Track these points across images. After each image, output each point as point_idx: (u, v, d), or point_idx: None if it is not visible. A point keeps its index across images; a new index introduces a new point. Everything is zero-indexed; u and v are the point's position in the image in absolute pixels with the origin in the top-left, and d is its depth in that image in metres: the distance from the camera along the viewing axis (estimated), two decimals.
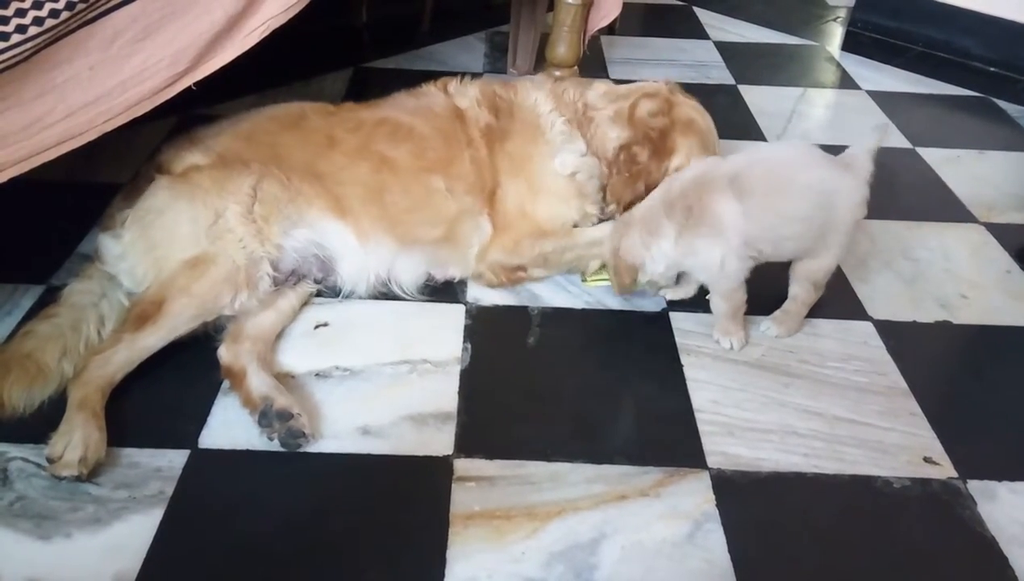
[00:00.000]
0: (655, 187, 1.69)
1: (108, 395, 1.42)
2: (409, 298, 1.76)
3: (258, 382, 1.47)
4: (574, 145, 1.83)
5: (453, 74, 1.93)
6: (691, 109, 1.85)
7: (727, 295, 1.62)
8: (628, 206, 1.74)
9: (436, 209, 1.74)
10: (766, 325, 1.70)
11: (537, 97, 1.87)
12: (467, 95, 1.86)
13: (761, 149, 1.70)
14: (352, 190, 1.69)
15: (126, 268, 1.56)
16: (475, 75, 1.93)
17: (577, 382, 1.59)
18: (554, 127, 1.83)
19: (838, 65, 3.17)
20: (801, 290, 1.66)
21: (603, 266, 1.78)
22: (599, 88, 1.92)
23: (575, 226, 1.82)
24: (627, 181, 1.77)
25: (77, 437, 1.31)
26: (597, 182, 1.86)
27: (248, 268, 1.55)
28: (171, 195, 1.57)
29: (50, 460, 1.30)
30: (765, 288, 1.65)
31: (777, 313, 1.70)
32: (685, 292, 1.74)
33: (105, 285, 1.58)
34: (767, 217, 1.55)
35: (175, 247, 1.53)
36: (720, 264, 1.56)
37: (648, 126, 1.79)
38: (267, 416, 1.40)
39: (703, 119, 1.85)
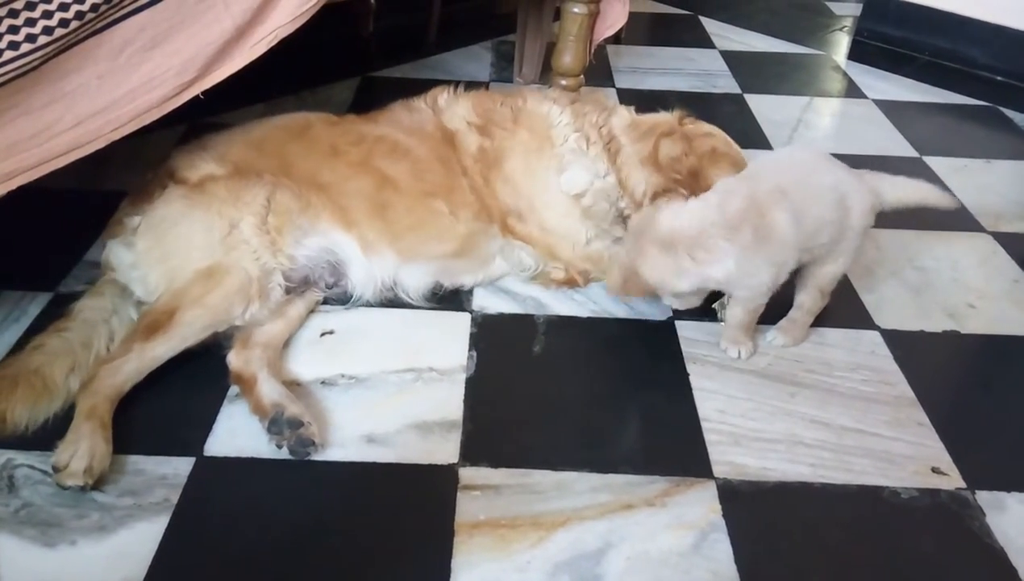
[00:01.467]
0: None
1: (116, 405, 1.42)
2: (415, 304, 1.76)
3: (268, 389, 1.47)
4: (590, 164, 1.82)
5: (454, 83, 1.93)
6: (707, 137, 1.84)
7: (753, 308, 1.61)
8: None
9: (442, 229, 1.75)
10: (772, 335, 1.70)
11: (551, 109, 1.86)
12: (457, 113, 1.84)
13: (777, 156, 1.70)
14: (356, 202, 1.70)
15: (138, 276, 1.56)
16: (468, 84, 1.92)
17: (583, 391, 1.58)
18: (566, 141, 1.82)
19: (844, 74, 3.17)
20: (808, 298, 1.66)
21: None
22: (622, 117, 1.89)
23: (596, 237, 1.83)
24: None
25: (83, 447, 1.31)
26: (606, 206, 1.84)
27: (261, 279, 1.55)
28: (187, 205, 1.57)
29: (56, 469, 1.30)
30: (781, 302, 1.64)
31: (783, 322, 1.69)
32: (692, 303, 1.69)
33: (116, 301, 1.57)
34: (808, 225, 1.54)
35: (190, 257, 1.53)
36: (774, 278, 1.54)
37: (676, 172, 1.79)
38: (277, 424, 1.40)
39: (721, 142, 1.85)
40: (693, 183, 1.76)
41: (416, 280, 1.76)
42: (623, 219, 1.85)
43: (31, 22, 1.21)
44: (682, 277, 1.53)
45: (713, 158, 1.80)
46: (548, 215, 1.80)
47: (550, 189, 1.80)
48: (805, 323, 1.69)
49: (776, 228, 1.50)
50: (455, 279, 1.81)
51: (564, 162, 1.81)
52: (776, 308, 1.69)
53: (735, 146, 1.87)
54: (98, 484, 1.31)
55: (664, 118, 1.90)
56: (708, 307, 1.75)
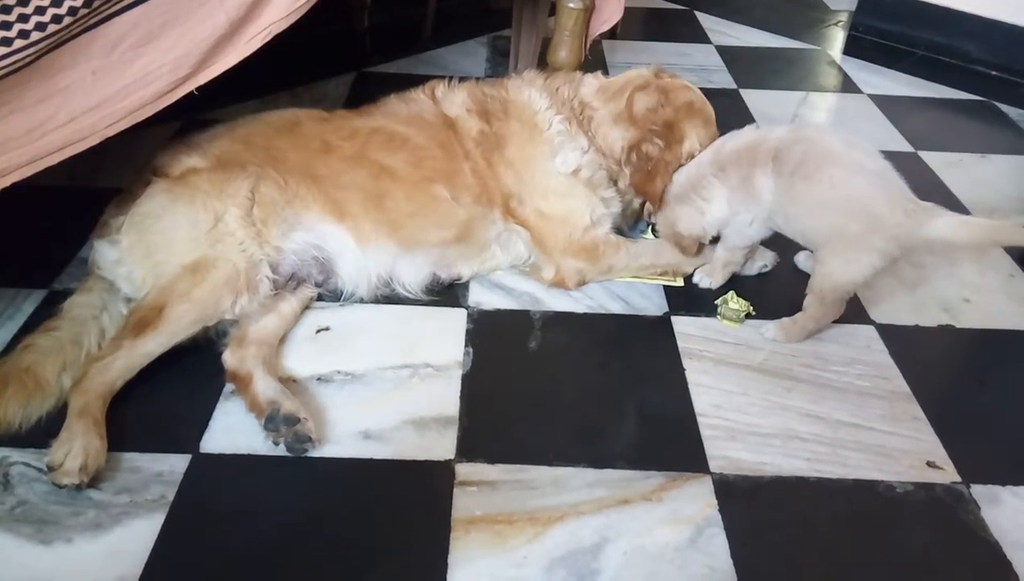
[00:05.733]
0: (676, 171, 1.78)
1: (109, 402, 1.41)
2: (412, 297, 1.76)
3: (264, 386, 1.47)
4: (575, 143, 1.83)
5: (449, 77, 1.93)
6: (684, 90, 1.87)
7: (732, 249, 1.77)
8: (658, 197, 1.80)
9: (443, 214, 1.74)
10: (767, 327, 1.70)
11: (530, 93, 1.87)
12: (455, 102, 1.85)
13: (825, 133, 1.73)
14: (351, 195, 1.69)
15: (124, 273, 1.56)
16: (463, 80, 1.93)
17: (579, 386, 1.58)
18: (552, 126, 1.82)
19: (840, 69, 3.17)
20: (809, 301, 1.66)
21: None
22: (590, 84, 1.91)
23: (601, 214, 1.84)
24: (648, 176, 1.78)
25: (77, 445, 1.31)
26: (604, 173, 1.86)
27: (248, 271, 1.55)
28: (170, 198, 1.57)
29: (50, 468, 1.30)
30: (783, 301, 1.67)
31: (784, 319, 1.70)
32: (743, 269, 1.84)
33: (106, 298, 1.57)
34: (788, 197, 1.60)
35: (174, 251, 1.53)
36: (749, 225, 1.70)
37: (652, 122, 1.80)
38: (274, 421, 1.40)
39: (697, 97, 1.88)
40: (668, 134, 1.79)
41: (414, 271, 1.76)
42: (615, 183, 1.88)
43: (24, 18, 1.20)
44: (704, 218, 1.73)
45: (689, 112, 1.83)
46: (549, 200, 1.80)
47: (548, 174, 1.81)
48: (803, 326, 1.68)
49: (755, 185, 1.64)
50: (453, 269, 1.81)
51: (555, 146, 1.81)
52: (785, 311, 1.70)
53: (708, 104, 1.89)
54: (94, 481, 1.31)
55: (637, 73, 1.91)
56: (708, 302, 1.76)
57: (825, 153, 1.58)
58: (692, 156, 1.80)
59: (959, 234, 1.53)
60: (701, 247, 1.81)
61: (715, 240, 1.81)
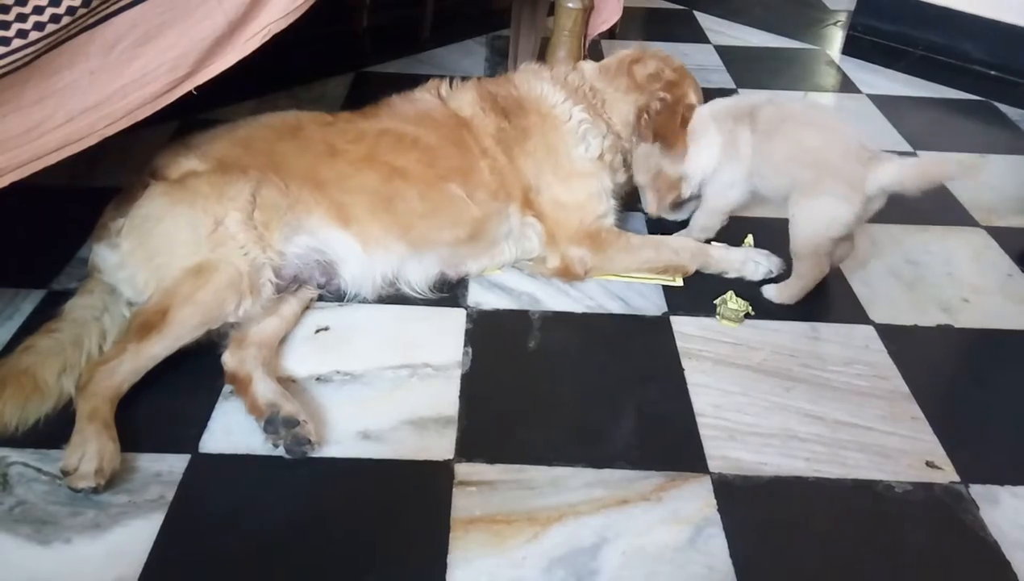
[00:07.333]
0: (689, 113, 1.89)
1: (116, 405, 1.41)
2: (415, 296, 1.76)
3: (264, 388, 1.46)
4: (597, 129, 1.89)
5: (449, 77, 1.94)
6: (673, 59, 2.00)
7: (711, 212, 1.87)
8: (680, 138, 1.87)
9: (457, 213, 1.75)
10: (767, 288, 1.79)
11: (543, 88, 1.90)
12: (465, 101, 1.86)
13: (790, 100, 1.94)
14: (359, 198, 1.68)
15: (125, 277, 1.55)
16: (464, 78, 1.94)
17: (578, 386, 1.58)
18: (573, 117, 1.87)
19: (838, 69, 3.17)
20: (795, 264, 1.75)
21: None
22: (591, 67, 2.00)
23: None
24: (668, 116, 1.86)
25: (91, 449, 1.30)
26: (621, 156, 1.95)
27: (251, 275, 1.54)
28: (169, 201, 1.56)
29: (65, 472, 1.29)
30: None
31: (781, 282, 1.78)
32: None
33: (107, 299, 1.56)
34: (761, 154, 1.75)
35: (176, 254, 1.52)
36: (731, 186, 1.82)
37: (657, 82, 1.91)
38: (273, 423, 1.40)
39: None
40: (674, 90, 1.89)
41: (423, 270, 1.76)
42: (624, 162, 1.96)
43: (22, 18, 1.20)
44: (692, 163, 1.87)
45: (684, 74, 1.98)
46: (571, 188, 1.84)
47: (573, 161, 1.85)
48: (797, 283, 1.75)
49: (737, 141, 1.78)
50: (461, 267, 1.81)
51: (580, 134, 1.87)
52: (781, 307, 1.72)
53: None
54: (108, 484, 1.30)
55: (624, 52, 2.01)
56: (707, 302, 1.77)
57: (786, 113, 1.76)
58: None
59: (905, 175, 1.63)
60: (675, 203, 1.93)
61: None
